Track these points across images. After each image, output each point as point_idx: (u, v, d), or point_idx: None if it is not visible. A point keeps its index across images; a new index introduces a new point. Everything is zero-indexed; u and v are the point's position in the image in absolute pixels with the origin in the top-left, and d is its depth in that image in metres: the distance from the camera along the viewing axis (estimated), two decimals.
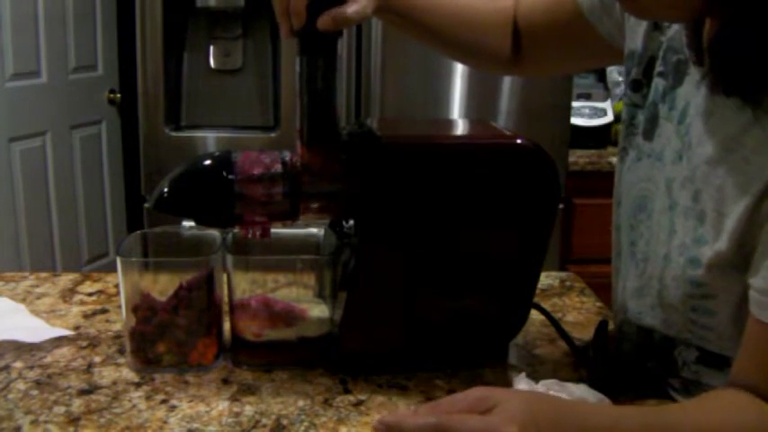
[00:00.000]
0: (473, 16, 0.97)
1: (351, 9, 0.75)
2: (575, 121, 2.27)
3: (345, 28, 0.78)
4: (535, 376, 0.79)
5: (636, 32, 0.84)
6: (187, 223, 0.86)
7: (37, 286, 1.10)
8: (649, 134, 0.81)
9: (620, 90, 2.48)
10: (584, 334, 0.96)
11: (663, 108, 0.79)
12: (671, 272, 0.74)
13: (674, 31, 0.78)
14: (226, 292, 0.86)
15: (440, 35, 0.95)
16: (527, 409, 0.63)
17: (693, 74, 0.75)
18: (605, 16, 0.89)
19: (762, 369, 0.67)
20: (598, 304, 1.09)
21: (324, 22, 0.74)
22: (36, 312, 1.00)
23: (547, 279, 1.17)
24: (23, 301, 1.04)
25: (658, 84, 0.80)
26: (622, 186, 0.86)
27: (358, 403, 0.79)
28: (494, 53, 0.99)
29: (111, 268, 0.93)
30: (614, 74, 2.52)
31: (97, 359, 0.88)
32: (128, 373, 0.84)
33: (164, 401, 0.78)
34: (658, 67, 0.80)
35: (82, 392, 0.80)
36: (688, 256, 0.72)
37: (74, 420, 0.74)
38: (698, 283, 0.71)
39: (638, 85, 0.84)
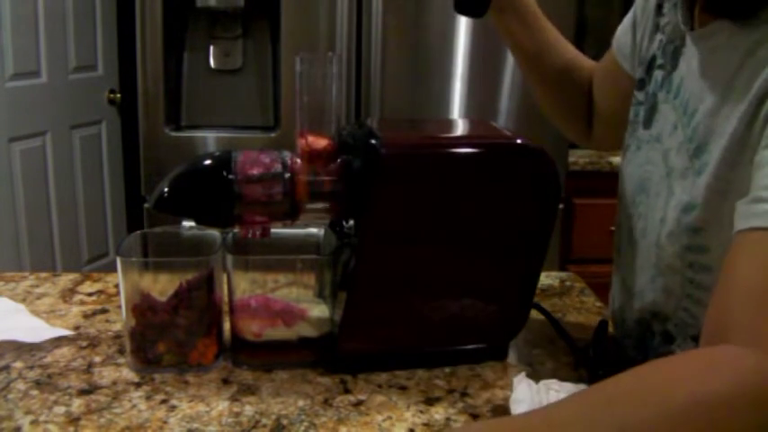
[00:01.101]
0: (571, 60, 1.03)
1: None
2: None
3: None
4: (535, 376, 0.79)
5: (643, 45, 0.88)
6: (187, 223, 0.86)
7: (37, 286, 1.10)
8: (648, 122, 0.83)
9: None
10: (584, 334, 0.96)
11: (661, 94, 0.81)
12: (667, 229, 0.75)
13: (671, 26, 0.81)
14: (226, 292, 0.86)
15: (536, 54, 1.01)
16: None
17: (686, 53, 0.77)
18: (629, 54, 0.93)
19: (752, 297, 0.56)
20: (598, 304, 1.09)
21: None
22: (36, 312, 1.00)
23: (547, 279, 1.17)
24: (23, 301, 1.04)
25: (657, 75, 0.83)
26: (624, 182, 0.87)
27: (358, 403, 0.79)
28: (573, 109, 1.05)
29: (111, 268, 0.93)
30: None
31: (97, 359, 0.88)
32: (128, 373, 0.84)
33: (164, 401, 0.78)
34: (658, 62, 0.83)
35: (82, 392, 0.80)
36: (683, 204, 0.73)
37: (74, 420, 0.74)
38: (693, 228, 0.72)
39: (642, 84, 0.87)
